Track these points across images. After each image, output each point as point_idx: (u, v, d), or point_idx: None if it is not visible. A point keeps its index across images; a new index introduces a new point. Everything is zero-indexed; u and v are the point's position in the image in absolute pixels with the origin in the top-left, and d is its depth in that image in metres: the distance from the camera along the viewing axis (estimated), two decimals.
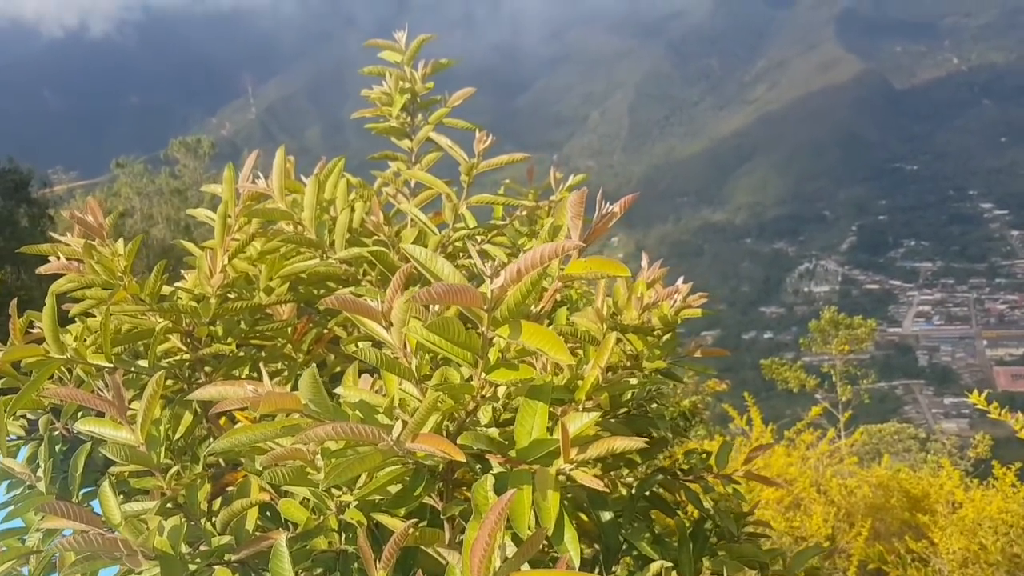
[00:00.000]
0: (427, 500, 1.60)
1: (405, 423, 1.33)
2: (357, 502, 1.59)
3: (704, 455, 2.26)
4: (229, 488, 2.05)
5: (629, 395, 2.03)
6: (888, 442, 18.29)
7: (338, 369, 2.54)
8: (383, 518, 1.57)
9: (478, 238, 2.62)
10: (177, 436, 2.22)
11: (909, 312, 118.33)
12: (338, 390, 1.61)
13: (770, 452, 8.67)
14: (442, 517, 1.59)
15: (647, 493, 2.15)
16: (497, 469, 1.46)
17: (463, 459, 1.27)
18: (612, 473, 2.30)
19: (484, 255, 2.51)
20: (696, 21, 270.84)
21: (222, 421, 2.21)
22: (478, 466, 1.53)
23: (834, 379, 16.30)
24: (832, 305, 20.55)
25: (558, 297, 1.78)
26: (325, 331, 2.57)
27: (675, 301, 2.06)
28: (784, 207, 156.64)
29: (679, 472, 2.21)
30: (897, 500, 8.65)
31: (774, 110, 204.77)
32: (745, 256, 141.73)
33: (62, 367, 2.22)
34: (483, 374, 1.41)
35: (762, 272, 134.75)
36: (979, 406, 5.50)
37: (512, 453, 1.45)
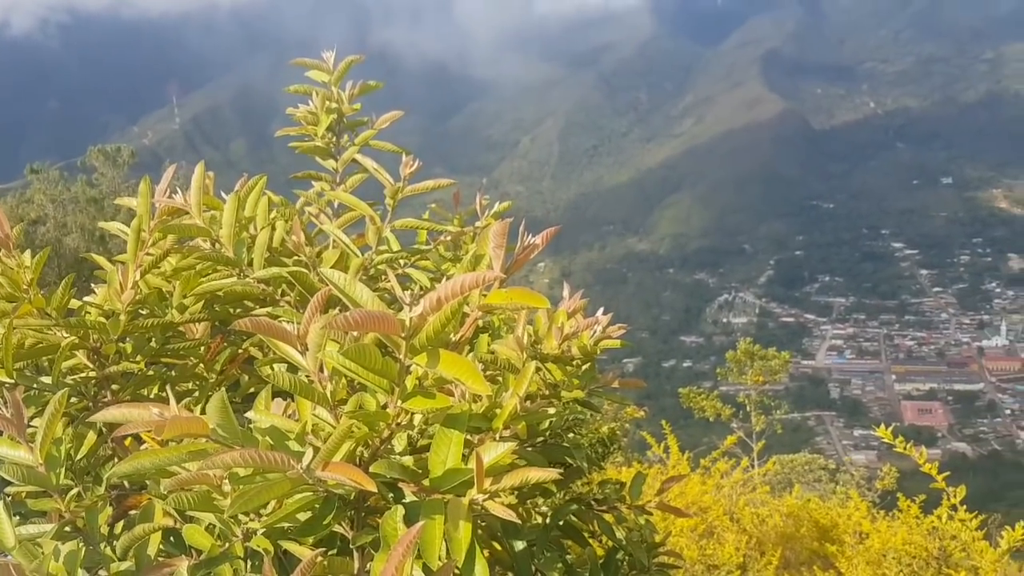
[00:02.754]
0: (337, 528, 1.57)
1: (317, 450, 1.31)
2: (264, 529, 1.55)
3: (618, 486, 2.27)
4: (132, 511, 1.98)
5: (547, 424, 2.04)
6: (799, 472, 18.72)
7: (252, 390, 2.48)
8: (291, 546, 1.54)
9: (401, 262, 2.60)
10: (79, 456, 2.13)
11: (822, 345, 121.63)
12: (248, 414, 1.57)
13: (685, 482, 8.78)
14: (352, 546, 1.56)
15: (561, 522, 2.15)
16: (410, 498, 1.44)
17: (375, 489, 1.25)
18: (527, 502, 2.29)
19: (407, 279, 2.50)
20: (626, 54, 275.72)
21: (127, 442, 2.14)
22: (391, 494, 1.51)
23: (749, 409, 16.61)
24: (749, 336, 21.01)
25: (480, 323, 1.78)
26: (240, 351, 2.52)
27: (595, 331, 2.07)
28: (706, 239, 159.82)
29: (593, 502, 2.22)
30: (807, 529, 8.85)
31: (699, 144, 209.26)
32: (667, 285, 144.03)
33: None
34: (399, 402, 1.40)
35: (683, 302, 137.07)
36: (885, 439, 5.67)
37: (426, 482, 1.44)
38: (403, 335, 1.28)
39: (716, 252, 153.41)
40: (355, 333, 1.42)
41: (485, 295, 1.40)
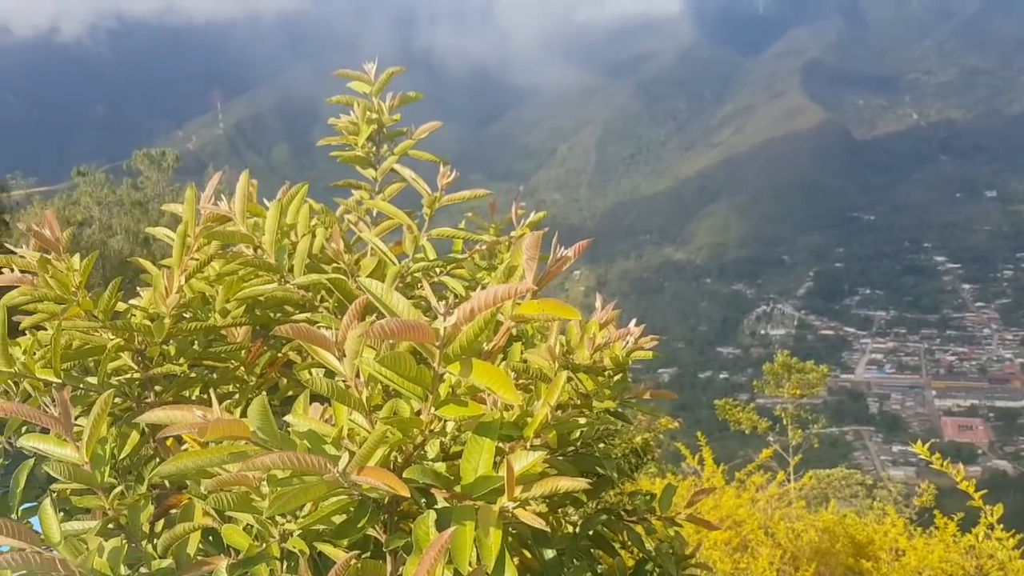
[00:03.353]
0: (370, 532, 1.60)
1: (352, 454, 1.34)
2: (300, 531, 1.59)
3: (649, 497, 2.28)
4: (172, 510, 2.03)
5: (577, 434, 2.06)
6: (836, 487, 18.48)
7: (290, 393, 2.53)
8: (326, 548, 1.57)
9: (437, 270, 2.64)
10: (123, 455, 2.19)
11: (862, 359, 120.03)
12: (287, 417, 1.61)
13: (719, 495, 8.73)
14: (385, 550, 1.59)
15: (591, 532, 2.17)
16: (442, 504, 1.47)
17: (408, 494, 1.28)
18: (558, 511, 2.31)
19: (442, 287, 2.53)
20: (666, 63, 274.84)
21: (168, 442, 2.20)
22: (423, 500, 1.54)
23: (785, 422, 16.45)
24: (787, 349, 20.79)
25: (514, 332, 1.80)
26: (279, 355, 2.57)
27: (627, 343, 2.09)
28: (744, 249, 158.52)
29: (623, 513, 2.23)
30: (842, 545, 8.74)
31: (738, 154, 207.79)
32: (704, 296, 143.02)
33: (8, 380, 2.19)
34: (432, 409, 1.43)
35: (720, 312, 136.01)
36: (922, 455, 5.61)
37: (457, 488, 1.47)
38: (437, 344, 1.32)
39: (754, 263, 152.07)
40: (391, 340, 1.45)
41: (518, 305, 1.43)
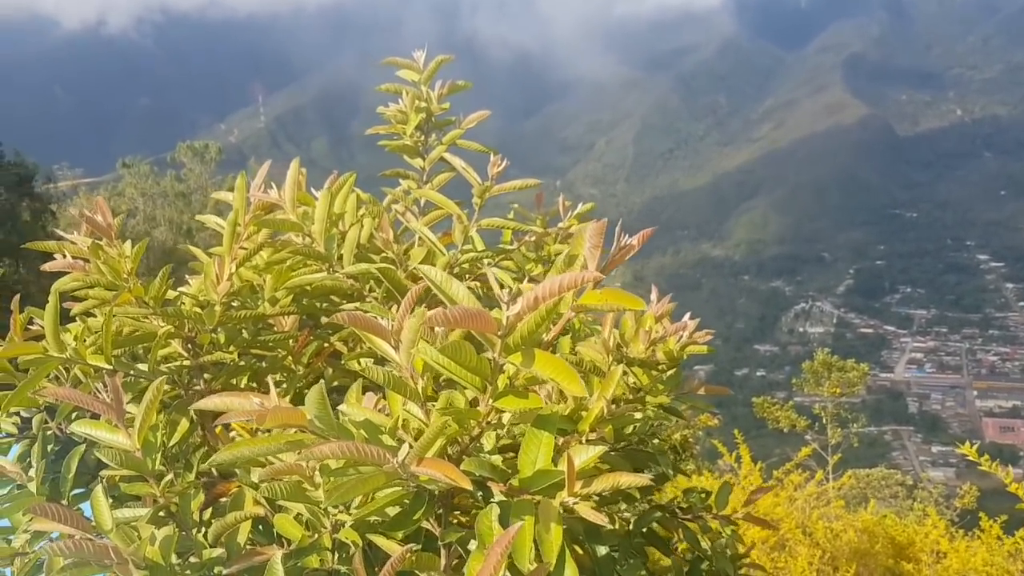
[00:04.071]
0: (424, 524, 1.57)
1: (411, 445, 1.31)
2: (353, 522, 1.56)
3: (704, 494, 2.24)
4: (222, 499, 2.03)
5: (631, 428, 2.02)
6: (875, 487, 18.27)
7: (336, 383, 2.52)
8: (379, 540, 1.55)
9: (486, 261, 2.61)
10: (172, 443, 2.19)
11: (902, 358, 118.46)
12: (341, 407, 1.59)
13: (769, 493, 8.66)
14: (440, 543, 1.56)
15: (644, 529, 2.13)
16: (499, 497, 1.44)
17: (470, 487, 1.25)
18: (609, 507, 2.27)
19: (497, 280, 2.50)
20: (706, 57, 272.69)
21: (218, 430, 2.19)
22: (479, 493, 1.51)
23: (824, 421, 16.28)
24: (826, 347, 20.57)
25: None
26: (325, 345, 2.56)
27: (681, 336, 2.05)
28: (783, 246, 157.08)
29: (678, 510, 2.19)
30: (882, 546, 8.61)
31: (778, 149, 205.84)
32: (742, 293, 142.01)
33: (60, 366, 2.20)
34: (491, 400, 1.39)
35: (758, 310, 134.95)
36: (969, 457, 5.49)
37: (515, 482, 1.43)
38: (499, 333, 1.28)
39: (793, 259, 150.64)
40: (444, 329, 1.42)
41: (576, 299, 1.39)
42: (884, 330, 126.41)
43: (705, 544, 2.12)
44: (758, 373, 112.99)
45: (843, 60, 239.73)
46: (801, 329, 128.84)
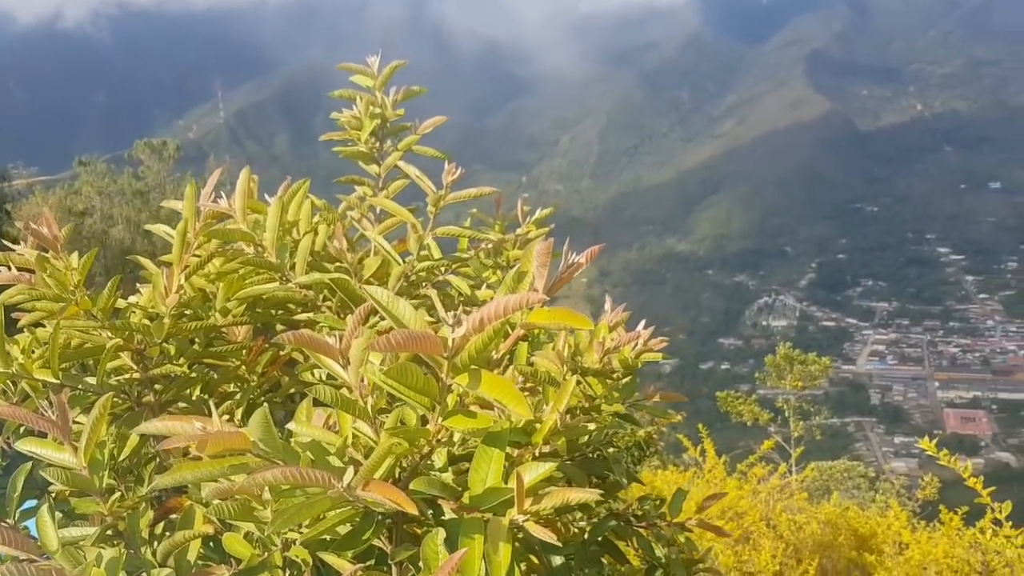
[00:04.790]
0: (375, 542, 1.56)
1: (358, 465, 1.30)
2: (303, 540, 1.55)
3: (658, 502, 2.24)
4: (172, 515, 2.00)
5: (586, 438, 2.02)
6: (838, 479, 18.49)
7: (292, 391, 2.50)
8: (330, 558, 1.53)
9: (442, 269, 2.60)
10: (122, 457, 2.15)
11: (864, 350, 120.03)
12: (289, 425, 1.57)
13: (721, 485, 8.73)
14: (391, 562, 1.55)
15: (599, 538, 2.13)
16: (449, 515, 1.43)
17: (415, 511, 1.24)
18: (564, 516, 2.28)
19: (446, 285, 2.49)
20: (669, 53, 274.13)
21: (158, 448, 2.16)
22: (430, 511, 1.50)
23: (787, 414, 16.44)
24: (789, 340, 20.80)
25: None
26: (280, 353, 2.53)
27: (636, 345, 2.05)
28: (747, 241, 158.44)
29: (633, 518, 2.20)
30: (845, 538, 8.72)
31: (741, 145, 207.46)
32: (706, 287, 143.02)
33: (6, 380, 2.16)
34: (440, 420, 1.39)
35: (722, 304, 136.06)
36: (928, 451, 5.57)
37: (465, 500, 1.43)
38: (445, 355, 1.27)
39: (756, 254, 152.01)
40: None
41: (528, 313, 1.38)
42: (846, 323, 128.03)
43: (659, 551, 2.13)
44: (722, 366, 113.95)
45: (805, 55, 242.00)
46: (764, 323, 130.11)
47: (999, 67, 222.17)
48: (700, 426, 10.24)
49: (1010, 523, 5.30)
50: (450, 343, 1.26)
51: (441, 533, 1.32)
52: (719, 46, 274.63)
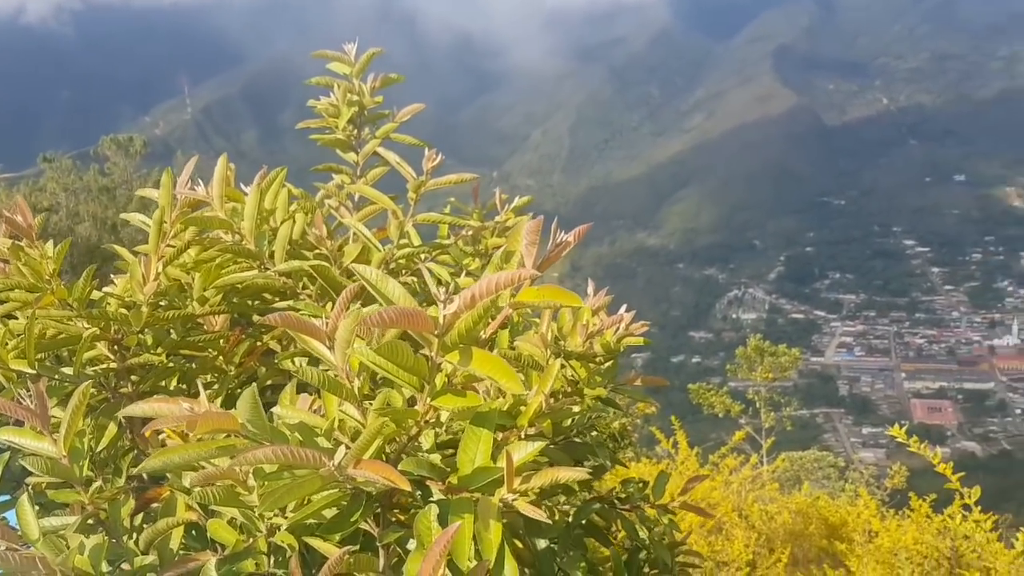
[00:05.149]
0: (362, 525, 1.55)
1: (347, 447, 1.30)
2: (289, 525, 1.54)
3: (641, 485, 2.26)
4: (153, 504, 1.98)
5: (570, 422, 2.03)
6: (808, 469, 18.70)
7: (269, 382, 2.48)
8: (316, 542, 1.52)
9: (422, 256, 2.59)
10: (100, 448, 2.13)
11: (832, 342, 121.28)
12: (275, 409, 1.56)
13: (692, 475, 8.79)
14: (378, 544, 1.55)
15: (583, 521, 2.14)
16: (438, 496, 1.43)
17: (409, 488, 1.23)
18: (549, 500, 2.28)
19: (435, 277, 2.48)
20: (638, 48, 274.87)
21: (147, 434, 2.13)
22: (418, 492, 1.49)
23: (758, 405, 16.60)
24: (758, 332, 20.99)
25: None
26: (258, 344, 2.51)
27: (618, 329, 2.06)
28: (716, 234, 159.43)
29: (616, 501, 2.21)
30: (816, 527, 8.82)
31: (710, 139, 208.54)
32: (677, 281, 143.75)
33: None
34: (429, 399, 1.38)
35: (693, 297, 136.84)
36: (899, 439, 5.64)
37: (454, 480, 1.42)
38: (436, 332, 1.27)
39: (726, 248, 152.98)
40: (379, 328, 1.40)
41: (514, 296, 1.38)
42: (814, 315, 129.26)
43: (643, 534, 2.14)
44: (693, 359, 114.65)
45: (772, 50, 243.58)
46: (734, 315, 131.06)
47: (963, 61, 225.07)
48: (673, 418, 10.30)
49: (979, 508, 5.38)
50: (441, 320, 1.25)
51: (434, 509, 1.32)
52: (687, 41, 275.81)
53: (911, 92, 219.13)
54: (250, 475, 1.45)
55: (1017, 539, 5.15)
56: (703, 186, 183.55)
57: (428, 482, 1.46)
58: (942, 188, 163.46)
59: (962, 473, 5.25)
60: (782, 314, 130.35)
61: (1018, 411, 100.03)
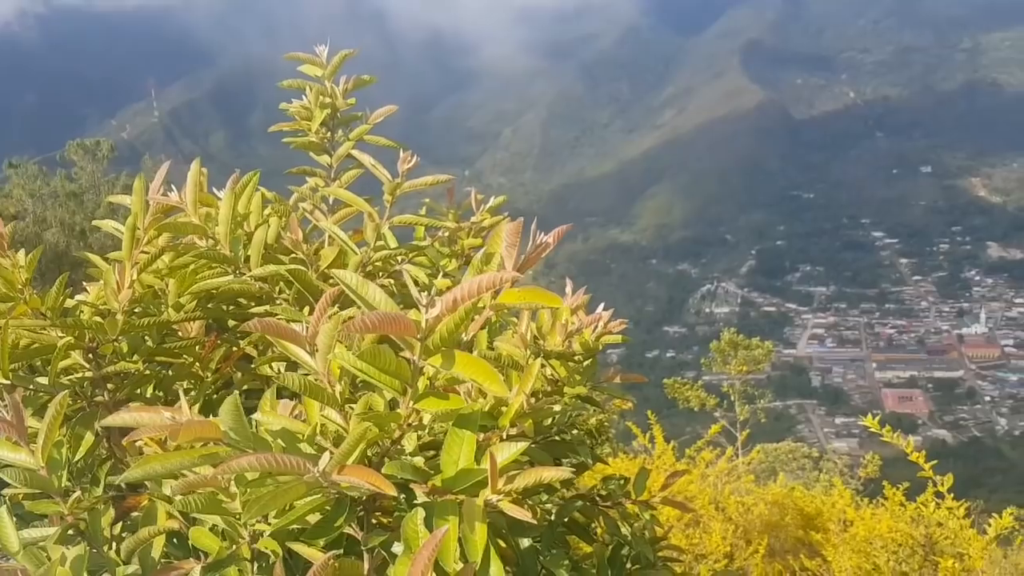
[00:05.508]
0: (346, 529, 1.55)
1: (331, 452, 1.29)
2: (272, 531, 1.53)
3: (622, 481, 2.27)
4: (133, 513, 1.96)
5: (550, 421, 2.03)
6: (783, 460, 18.87)
7: (246, 387, 2.46)
8: (300, 548, 1.52)
9: (399, 258, 2.58)
10: (77, 458, 2.10)
11: (804, 334, 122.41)
12: (256, 415, 1.55)
13: (669, 469, 8.83)
14: (363, 548, 1.54)
15: (565, 519, 2.15)
16: (422, 498, 1.43)
17: (394, 492, 1.23)
18: (531, 498, 2.29)
19: (413, 279, 2.48)
20: (607, 45, 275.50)
21: (125, 442, 2.11)
22: (402, 495, 1.49)
23: (733, 398, 16.71)
24: (731, 326, 21.14)
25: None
26: (234, 350, 2.49)
27: (597, 328, 2.07)
28: (688, 230, 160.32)
29: (598, 498, 2.22)
30: (792, 518, 8.90)
31: (681, 135, 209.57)
32: (650, 276, 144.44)
33: None
34: (411, 403, 1.38)
35: (666, 292, 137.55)
36: (872, 429, 5.70)
37: (437, 482, 1.42)
38: (418, 336, 1.27)
39: (698, 243, 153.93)
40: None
41: (499, 294, 1.38)
42: (786, 308, 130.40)
43: (625, 530, 2.15)
44: (668, 354, 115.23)
45: (740, 46, 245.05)
46: (708, 310, 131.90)
47: (927, 54, 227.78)
48: (649, 413, 10.34)
49: (951, 495, 5.45)
50: (423, 324, 1.25)
51: (421, 512, 1.32)
52: (656, 38, 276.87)
53: (877, 85, 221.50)
54: (232, 483, 1.45)
55: (989, 525, 5.23)
56: (675, 182, 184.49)
57: (412, 485, 1.46)
58: (909, 180, 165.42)
59: (934, 461, 5.32)
60: (754, 307, 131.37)
61: (987, 399, 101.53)
